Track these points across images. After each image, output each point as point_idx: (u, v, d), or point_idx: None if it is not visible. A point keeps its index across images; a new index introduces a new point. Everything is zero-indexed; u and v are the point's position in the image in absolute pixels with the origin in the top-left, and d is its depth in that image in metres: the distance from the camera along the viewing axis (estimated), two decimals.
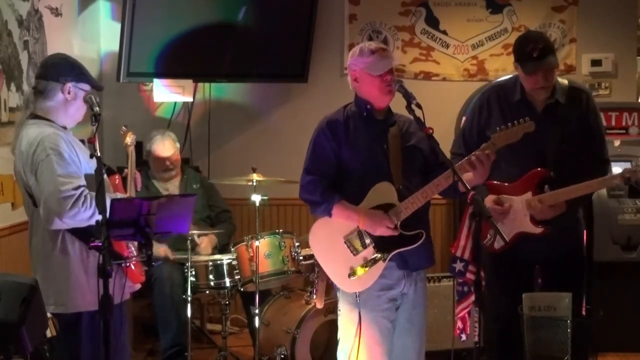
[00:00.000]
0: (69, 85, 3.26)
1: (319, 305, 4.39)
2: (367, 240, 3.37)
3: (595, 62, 5.96)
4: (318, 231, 3.48)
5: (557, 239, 3.72)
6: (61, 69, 3.28)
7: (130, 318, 4.21)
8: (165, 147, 5.16)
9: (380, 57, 3.36)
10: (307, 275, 4.81)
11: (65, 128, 3.31)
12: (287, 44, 5.93)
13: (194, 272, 4.68)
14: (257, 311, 4.57)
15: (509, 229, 3.67)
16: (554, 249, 3.74)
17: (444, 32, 6.09)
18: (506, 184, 3.75)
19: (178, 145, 5.29)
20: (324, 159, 3.41)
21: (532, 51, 3.57)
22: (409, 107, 3.29)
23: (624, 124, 5.51)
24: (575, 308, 3.63)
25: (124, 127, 3.80)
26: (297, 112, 6.09)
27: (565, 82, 3.79)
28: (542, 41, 3.65)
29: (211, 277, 4.76)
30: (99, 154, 2.99)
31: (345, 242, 3.39)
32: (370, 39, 5.96)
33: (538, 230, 3.68)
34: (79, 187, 3.12)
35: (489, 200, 3.69)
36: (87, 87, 3.31)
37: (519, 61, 3.67)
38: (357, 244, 3.38)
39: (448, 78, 6.09)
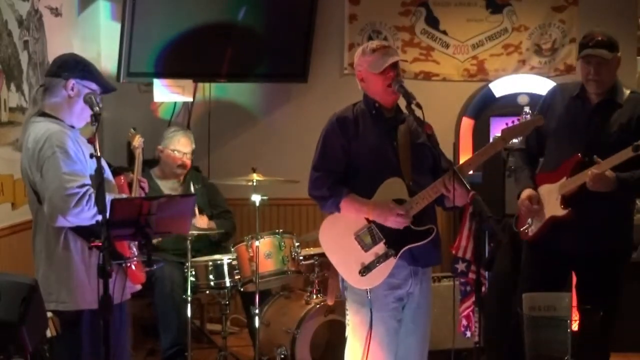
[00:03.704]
0: (72, 81, 3.26)
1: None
2: (378, 236, 3.35)
3: None
4: (328, 228, 3.46)
5: (598, 233, 3.69)
6: (66, 66, 3.29)
7: (130, 318, 4.21)
8: (187, 142, 5.23)
9: (381, 55, 3.37)
10: (307, 275, 4.81)
11: (72, 127, 3.30)
12: (287, 44, 5.92)
13: (194, 272, 4.68)
14: (257, 311, 4.57)
15: (541, 216, 3.75)
16: (593, 244, 3.70)
17: (444, 32, 6.08)
18: (550, 173, 3.81)
19: (194, 146, 5.33)
20: (333, 156, 3.40)
21: (589, 41, 3.75)
22: (409, 107, 3.31)
23: None
24: (603, 315, 3.64)
25: (132, 130, 3.79)
26: (297, 112, 6.09)
27: (628, 90, 3.92)
28: (601, 35, 3.80)
29: (211, 277, 4.76)
30: (98, 154, 2.99)
31: (355, 239, 3.37)
32: (370, 38, 5.95)
33: (562, 212, 3.68)
34: (84, 185, 3.12)
35: (525, 194, 3.78)
36: (93, 86, 3.30)
37: (579, 51, 3.85)
38: (368, 239, 3.36)
39: (448, 78, 6.09)
